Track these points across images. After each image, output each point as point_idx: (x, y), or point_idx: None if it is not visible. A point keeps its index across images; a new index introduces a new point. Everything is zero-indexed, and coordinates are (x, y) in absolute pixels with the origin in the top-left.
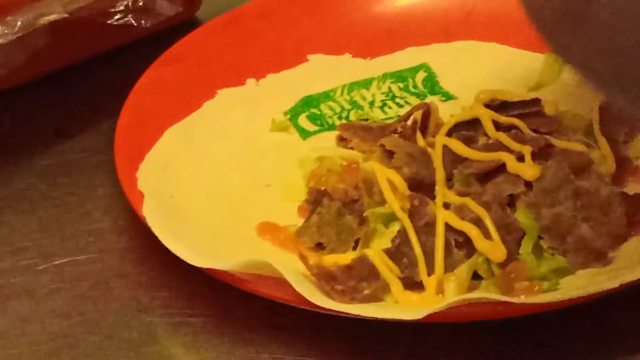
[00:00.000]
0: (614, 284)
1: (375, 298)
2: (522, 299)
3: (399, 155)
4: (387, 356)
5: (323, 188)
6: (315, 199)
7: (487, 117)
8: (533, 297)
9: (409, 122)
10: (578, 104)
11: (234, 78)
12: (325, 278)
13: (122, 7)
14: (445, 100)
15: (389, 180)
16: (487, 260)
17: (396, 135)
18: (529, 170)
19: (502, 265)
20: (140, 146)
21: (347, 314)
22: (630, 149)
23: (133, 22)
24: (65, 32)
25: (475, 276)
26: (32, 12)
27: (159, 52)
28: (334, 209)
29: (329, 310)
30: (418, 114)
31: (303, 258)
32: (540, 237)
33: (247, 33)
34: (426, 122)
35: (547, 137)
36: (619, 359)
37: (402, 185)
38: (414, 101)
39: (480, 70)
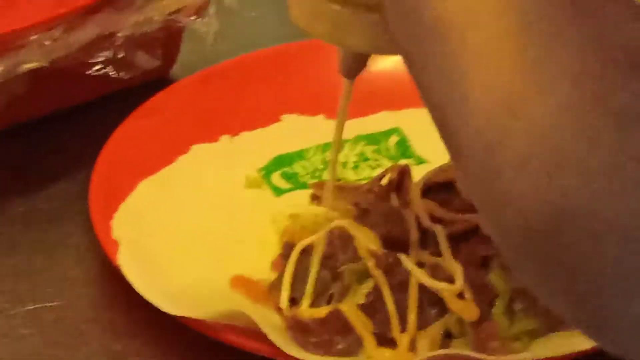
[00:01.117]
0: (585, 345)
1: (348, 352)
2: (494, 357)
3: (374, 214)
4: None
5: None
6: (290, 254)
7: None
8: (505, 357)
9: (384, 182)
10: None
11: (208, 134)
12: (300, 330)
13: (102, 58)
14: (417, 164)
15: (364, 237)
16: (460, 320)
17: (371, 194)
18: None
19: (475, 325)
20: (115, 196)
21: None
22: None
23: (112, 73)
24: (45, 80)
25: (448, 335)
26: (13, 58)
27: (134, 106)
28: (308, 264)
29: None
30: (393, 174)
31: (279, 310)
32: (513, 299)
33: (222, 91)
34: (402, 182)
35: None
36: None
37: (376, 243)
38: (387, 163)
39: None
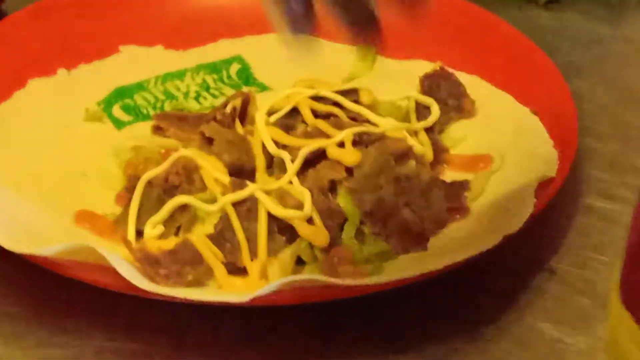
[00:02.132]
0: (436, 265)
1: (199, 283)
2: (346, 281)
3: (219, 142)
4: (213, 340)
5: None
6: (134, 187)
7: (305, 105)
8: (357, 280)
9: (228, 110)
10: (394, 94)
11: (45, 68)
12: (149, 262)
13: None
14: (260, 92)
15: (210, 166)
16: (311, 245)
17: (215, 122)
18: (349, 156)
19: (326, 250)
20: None
21: (172, 297)
22: (444, 138)
23: None
24: None
25: (299, 261)
26: None
27: None
28: (154, 196)
29: (153, 294)
30: (237, 102)
31: (127, 242)
32: (362, 222)
33: (57, 23)
34: (245, 110)
35: (366, 124)
36: (445, 340)
37: (222, 171)
38: (229, 92)
39: (293, 62)
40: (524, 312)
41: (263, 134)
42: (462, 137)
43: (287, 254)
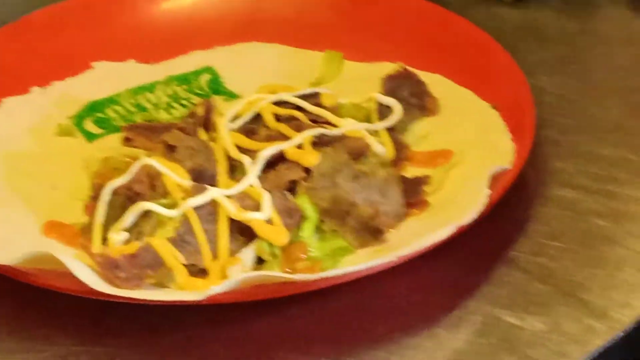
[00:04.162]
0: (391, 257)
1: (160, 285)
2: (302, 276)
3: (181, 149)
4: (174, 339)
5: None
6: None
7: (267, 109)
8: (313, 275)
9: (191, 119)
10: (358, 96)
11: (19, 87)
12: (109, 267)
13: None
14: (229, 100)
15: (172, 172)
16: (270, 244)
17: (177, 130)
18: (307, 157)
19: (285, 248)
20: None
21: (131, 299)
22: (406, 136)
23: None
24: None
25: (260, 260)
26: None
27: None
28: (119, 204)
29: (112, 296)
30: (200, 110)
31: (85, 248)
32: (321, 220)
33: (31, 43)
34: (208, 117)
35: (325, 125)
36: (403, 333)
37: (184, 177)
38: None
39: (262, 69)
40: (482, 301)
41: (225, 139)
42: (425, 134)
43: (247, 254)
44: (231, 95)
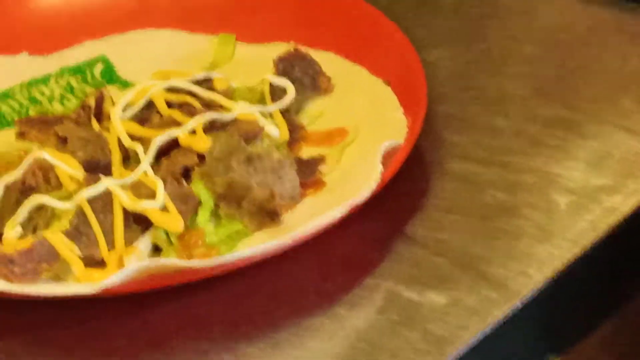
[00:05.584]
0: (286, 239)
1: (57, 278)
2: (198, 262)
3: (73, 140)
4: (77, 332)
5: None
6: None
7: (159, 96)
8: (209, 260)
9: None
10: (251, 78)
11: None
12: (3, 262)
13: None
14: (123, 89)
15: (64, 164)
16: (166, 232)
17: (68, 122)
18: (200, 142)
19: (181, 235)
20: None
21: (24, 294)
22: (301, 116)
23: None
24: None
25: (157, 248)
26: None
27: None
28: (13, 199)
29: (6, 293)
30: (91, 101)
31: None
32: (217, 205)
33: None
34: (100, 108)
35: (219, 109)
36: (302, 316)
37: (77, 168)
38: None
39: (156, 56)
40: (381, 278)
41: (117, 128)
42: (319, 114)
43: (143, 242)
44: (125, 84)
